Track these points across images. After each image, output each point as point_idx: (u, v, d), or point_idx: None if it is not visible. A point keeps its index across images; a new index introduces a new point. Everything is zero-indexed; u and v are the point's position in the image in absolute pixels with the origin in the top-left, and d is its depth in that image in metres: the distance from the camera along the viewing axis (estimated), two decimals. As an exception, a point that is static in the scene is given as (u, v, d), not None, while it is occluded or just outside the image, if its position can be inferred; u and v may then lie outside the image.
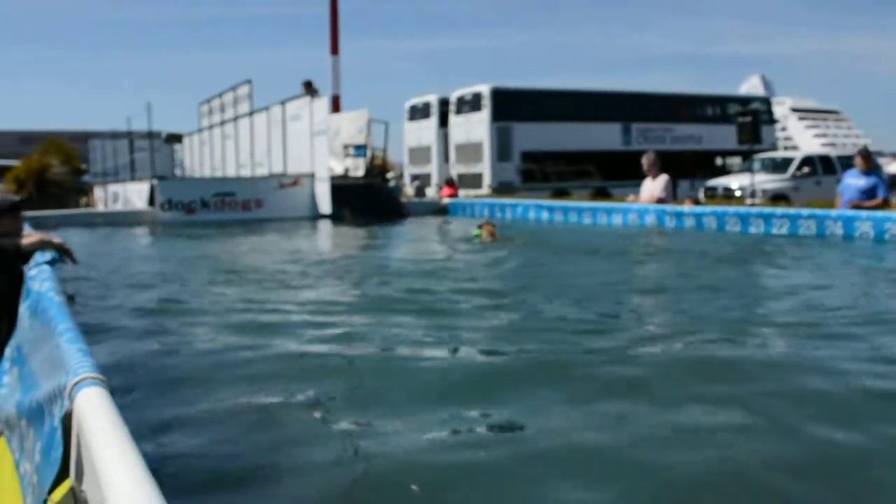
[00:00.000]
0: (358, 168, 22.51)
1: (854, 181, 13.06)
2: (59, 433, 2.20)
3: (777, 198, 24.04)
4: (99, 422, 1.93)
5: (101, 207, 30.30)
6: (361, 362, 5.02)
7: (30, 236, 5.59)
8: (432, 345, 5.46)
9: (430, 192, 31.60)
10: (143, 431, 3.70)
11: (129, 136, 28.05)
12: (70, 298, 5.25)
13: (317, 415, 4.06)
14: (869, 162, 12.96)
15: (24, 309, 4.46)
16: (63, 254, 5.54)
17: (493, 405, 4.14)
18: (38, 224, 15.50)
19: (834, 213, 12.81)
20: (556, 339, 5.54)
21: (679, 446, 3.59)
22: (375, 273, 9.70)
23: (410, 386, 4.54)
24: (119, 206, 26.15)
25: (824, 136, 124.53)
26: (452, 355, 5.21)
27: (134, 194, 24.04)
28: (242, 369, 4.90)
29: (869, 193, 12.76)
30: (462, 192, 28.45)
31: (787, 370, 4.76)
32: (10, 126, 76.21)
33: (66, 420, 2.17)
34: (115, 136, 31.06)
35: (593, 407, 4.12)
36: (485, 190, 30.82)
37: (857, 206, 12.66)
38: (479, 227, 13.83)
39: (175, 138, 36.88)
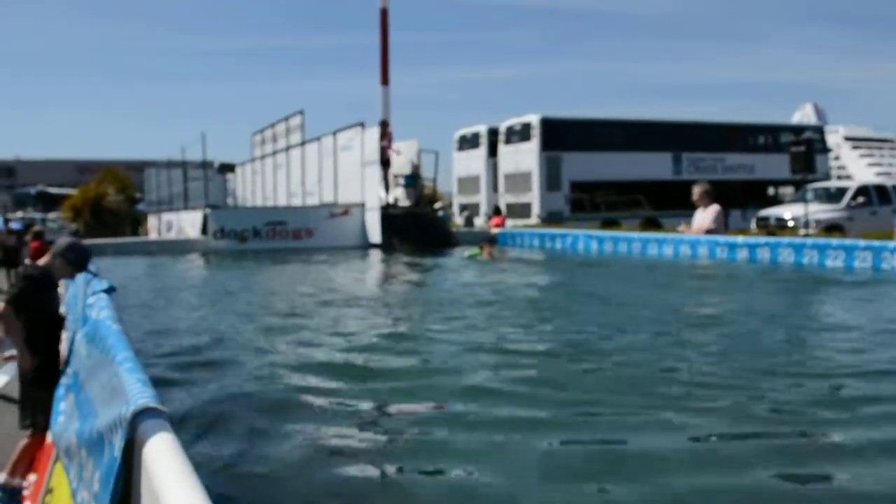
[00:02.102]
0: (408, 198, 22.60)
1: None
2: (119, 463, 2.21)
3: (831, 228, 23.62)
4: (161, 452, 1.94)
5: (154, 236, 30.78)
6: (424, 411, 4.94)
7: None
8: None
9: (479, 222, 31.60)
10: (203, 462, 3.72)
11: (184, 165, 28.49)
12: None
13: (375, 456, 4.04)
14: None
15: (80, 336, 4.51)
16: None
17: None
18: (95, 251, 15.83)
19: (891, 244, 12.55)
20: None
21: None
22: (434, 307, 9.69)
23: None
24: (172, 235, 26.54)
25: (879, 165, 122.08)
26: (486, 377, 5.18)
27: (187, 223, 24.38)
28: (300, 403, 4.89)
29: None
30: (510, 222, 28.40)
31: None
32: (68, 155, 77.75)
33: (127, 450, 2.18)
34: (169, 165, 31.58)
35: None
36: (533, 220, 30.73)
37: None
38: (480, 247, 16.57)
39: (228, 168, 37.42)
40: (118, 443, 2.27)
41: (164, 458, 1.90)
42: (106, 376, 3.12)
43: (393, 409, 4.83)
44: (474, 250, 16.51)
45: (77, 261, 5.61)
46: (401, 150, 23.48)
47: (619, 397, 4.88)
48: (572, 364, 5.89)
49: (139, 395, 2.35)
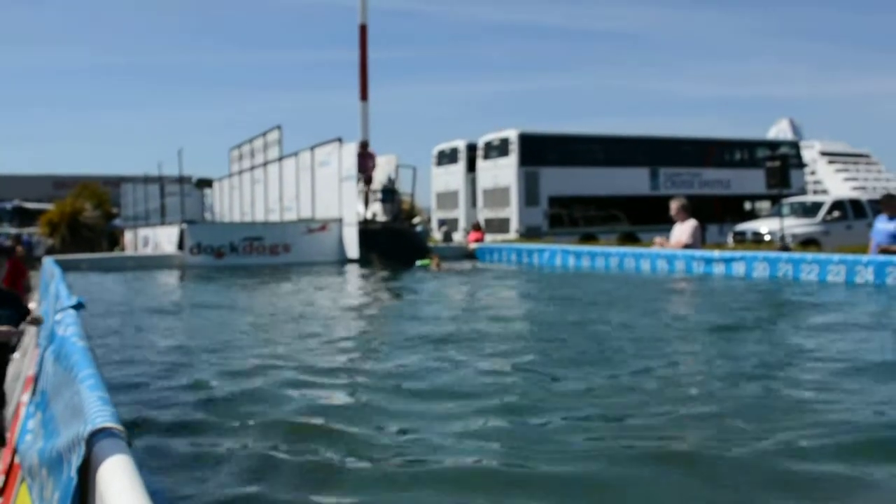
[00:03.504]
0: (385, 213, 22.60)
1: (883, 226, 12.96)
2: (75, 483, 2.18)
3: (807, 242, 23.81)
4: (115, 473, 1.92)
5: (130, 251, 30.61)
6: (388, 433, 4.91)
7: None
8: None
9: (458, 237, 31.63)
10: (158, 483, 3.69)
11: (161, 180, 28.39)
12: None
13: (340, 475, 3.99)
14: (893, 206, 12.86)
15: (48, 353, 4.48)
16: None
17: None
18: (70, 267, 15.71)
19: (865, 258, 12.66)
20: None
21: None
22: (409, 318, 9.71)
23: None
24: (149, 250, 26.39)
25: (854, 179, 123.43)
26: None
27: (164, 238, 24.27)
28: (264, 420, 4.83)
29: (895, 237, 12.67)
30: (489, 237, 28.44)
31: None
32: (45, 171, 77.34)
33: (83, 470, 2.16)
34: (146, 180, 31.46)
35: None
36: (512, 235, 30.79)
37: (885, 251, 12.54)
38: (430, 258, 19.03)
39: (205, 183, 37.32)
40: (75, 462, 2.24)
41: (117, 478, 1.87)
42: (69, 395, 3.09)
43: (351, 433, 4.75)
44: (425, 261, 19.01)
45: None
46: (378, 165, 23.53)
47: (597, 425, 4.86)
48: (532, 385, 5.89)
49: (97, 413, 2.32)
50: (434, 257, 19.10)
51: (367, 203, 22.51)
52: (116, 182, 44.10)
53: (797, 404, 5.08)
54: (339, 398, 5.57)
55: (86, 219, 38.50)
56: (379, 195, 22.71)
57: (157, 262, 20.92)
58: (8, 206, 54.41)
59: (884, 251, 12.55)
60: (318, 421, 4.81)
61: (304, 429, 4.65)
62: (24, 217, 48.80)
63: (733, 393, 5.37)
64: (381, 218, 22.39)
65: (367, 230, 20.89)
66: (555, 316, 9.92)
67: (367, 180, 22.41)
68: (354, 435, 4.51)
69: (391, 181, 22.89)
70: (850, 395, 5.27)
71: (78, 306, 5.24)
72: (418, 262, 19.13)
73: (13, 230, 41.49)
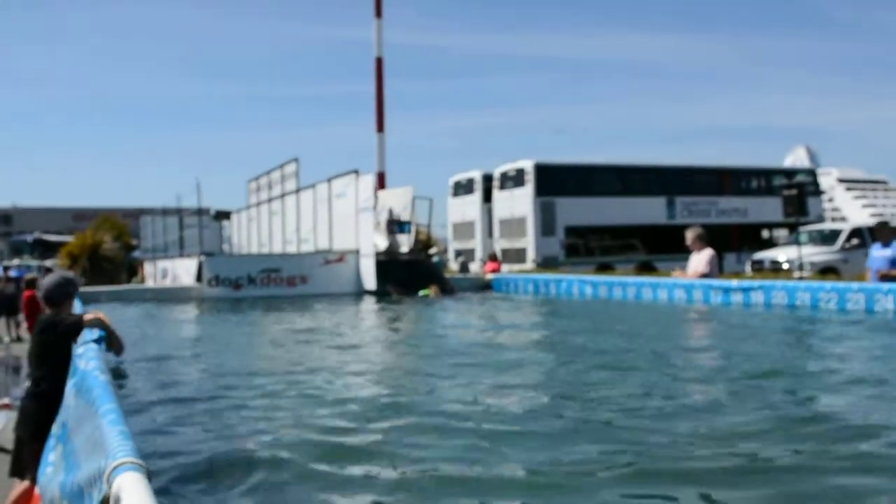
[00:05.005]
0: (402, 244, 22.67)
1: (879, 253, 13.04)
2: (97, 518, 2.21)
3: (825, 271, 23.66)
4: (136, 508, 1.94)
5: (150, 283, 30.77)
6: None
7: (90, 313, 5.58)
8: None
9: (474, 268, 31.63)
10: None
11: (179, 212, 28.56)
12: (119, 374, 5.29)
13: None
14: (886, 234, 13.04)
15: (70, 386, 4.51)
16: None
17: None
18: (90, 299, 15.81)
19: (885, 286, 12.57)
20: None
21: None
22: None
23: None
24: (168, 282, 26.51)
25: (873, 206, 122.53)
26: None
27: (182, 270, 24.38)
28: (284, 459, 4.82)
29: (893, 263, 12.79)
30: (506, 267, 28.43)
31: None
32: (65, 203, 78.08)
33: (106, 504, 2.18)
34: (165, 212, 31.65)
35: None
36: (529, 265, 30.76)
37: (885, 277, 12.57)
38: (429, 287, 19.94)
39: (224, 215, 37.51)
40: (97, 496, 2.27)
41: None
42: (90, 428, 3.13)
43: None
44: (426, 291, 19.90)
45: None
46: (394, 196, 23.65)
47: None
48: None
49: (118, 448, 2.35)
50: (434, 287, 20.05)
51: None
52: (136, 214, 44.46)
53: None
54: (362, 441, 5.53)
55: (105, 251, 38.76)
56: (396, 227, 22.80)
57: (176, 295, 21.03)
58: (29, 238, 54.98)
59: (884, 277, 12.56)
60: (339, 466, 4.81)
61: (326, 475, 4.63)
62: (45, 249, 49.27)
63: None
64: (398, 249, 22.46)
65: (385, 261, 20.95)
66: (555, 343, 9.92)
67: None
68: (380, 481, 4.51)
69: (391, 212, 22.98)
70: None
71: (99, 340, 5.28)
72: (420, 293, 19.85)
73: (34, 262, 41.84)
